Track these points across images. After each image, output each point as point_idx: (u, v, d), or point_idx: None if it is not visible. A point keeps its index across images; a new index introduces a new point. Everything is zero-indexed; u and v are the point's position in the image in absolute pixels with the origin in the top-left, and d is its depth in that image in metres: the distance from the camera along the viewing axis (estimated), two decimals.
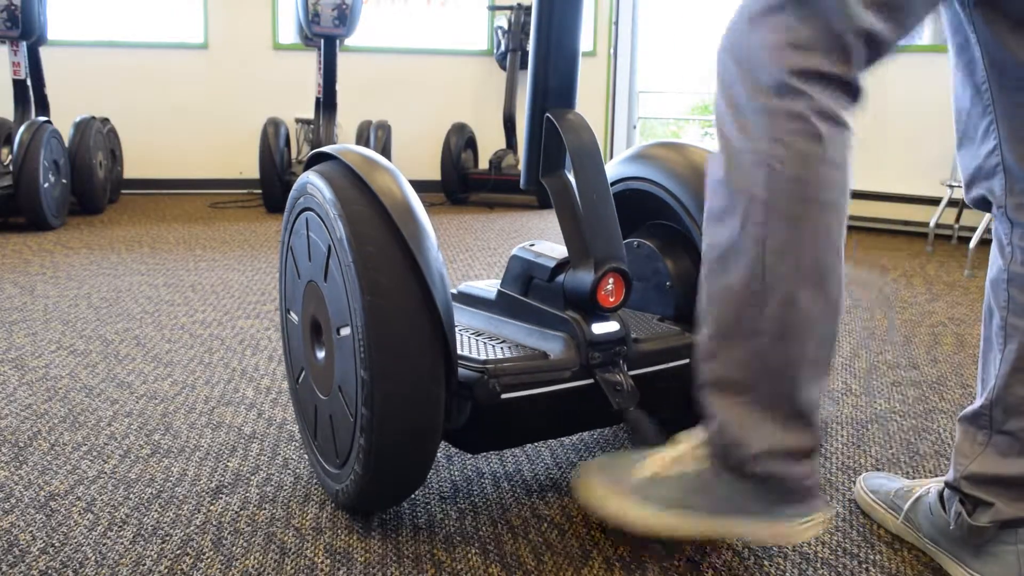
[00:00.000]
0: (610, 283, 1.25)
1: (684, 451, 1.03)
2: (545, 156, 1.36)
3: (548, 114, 1.33)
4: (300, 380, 1.42)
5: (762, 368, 0.95)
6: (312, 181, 1.24)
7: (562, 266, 1.30)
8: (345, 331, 1.16)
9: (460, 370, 1.17)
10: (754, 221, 0.92)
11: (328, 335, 1.24)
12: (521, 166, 1.40)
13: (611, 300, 1.26)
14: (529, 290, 1.36)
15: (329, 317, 1.23)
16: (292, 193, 1.34)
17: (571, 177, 1.33)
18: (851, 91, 0.93)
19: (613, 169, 1.57)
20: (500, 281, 1.43)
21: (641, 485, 1.02)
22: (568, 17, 1.30)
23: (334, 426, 1.25)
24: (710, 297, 0.98)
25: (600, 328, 1.25)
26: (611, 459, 1.16)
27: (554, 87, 1.33)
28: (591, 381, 1.23)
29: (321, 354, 1.30)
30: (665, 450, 1.06)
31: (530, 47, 1.33)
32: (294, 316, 1.41)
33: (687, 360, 1.33)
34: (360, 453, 1.15)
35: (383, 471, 1.15)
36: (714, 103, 0.99)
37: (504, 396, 1.17)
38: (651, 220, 1.53)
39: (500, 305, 1.41)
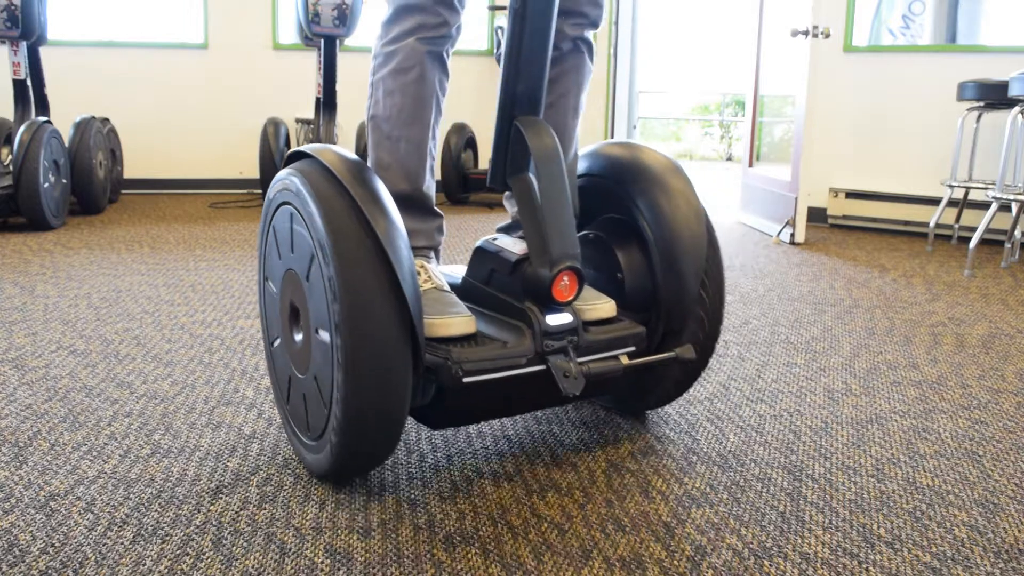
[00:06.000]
0: (565, 279, 1.38)
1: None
2: (511, 159, 1.47)
3: (516, 121, 1.43)
4: (275, 345, 1.54)
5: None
6: (294, 181, 1.34)
7: (522, 261, 1.43)
8: (324, 335, 1.27)
9: (427, 355, 1.31)
10: None
11: (306, 326, 1.36)
12: (488, 167, 1.51)
13: (565, 295, 1.39)
14: (491, 280, 1.50)
15: (309, 313, 1.33)
16: (274, 183, 1.44)
17: (534, 179, 1.44)
18: None
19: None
20: (466, 269, 1.57)
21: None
22: (540, 31, 1.38)
23: (307, 405, 1.39)
24: None
25: (554, 320, 1.39)
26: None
27: (522, 95, 1.42)
28: (544, 367, 1.36)
29: (299, 337, 1.41)
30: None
31: (502, 57, 1.42)
32: (272, 287, 1.51)
33: (634, 348, 1.47)
34: (333, 442, 1.28)
35: (354, 455, 1.30)
36: None
37: (466, 380, 1.30)
38: (605, 214, 1.68)
39: (464, 291, 1.56)
